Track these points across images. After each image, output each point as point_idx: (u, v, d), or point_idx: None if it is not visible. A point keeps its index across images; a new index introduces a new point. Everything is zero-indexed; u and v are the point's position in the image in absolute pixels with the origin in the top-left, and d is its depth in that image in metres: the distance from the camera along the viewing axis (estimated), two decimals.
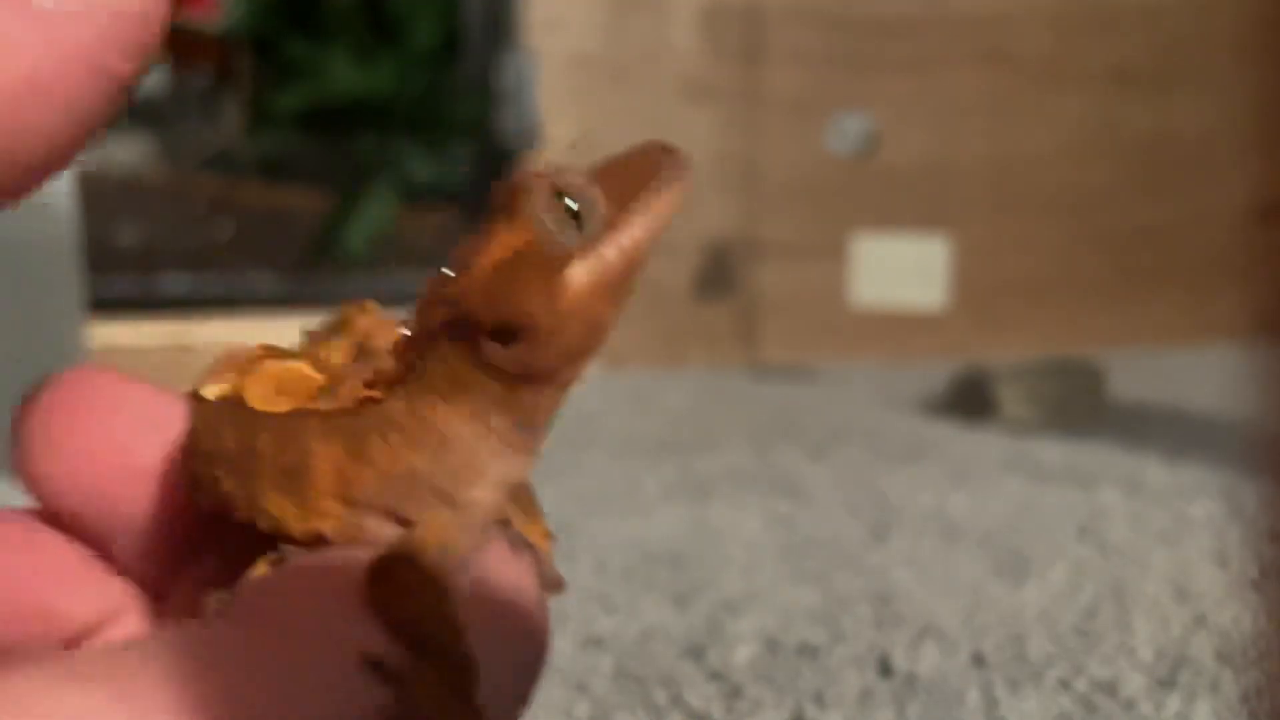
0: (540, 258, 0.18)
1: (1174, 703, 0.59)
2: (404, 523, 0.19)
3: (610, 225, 0.18)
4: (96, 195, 1.63)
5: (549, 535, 0.22)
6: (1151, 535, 0.89)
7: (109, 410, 0.21)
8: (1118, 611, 0.72)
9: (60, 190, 1.17)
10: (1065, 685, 0.61)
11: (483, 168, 2.00)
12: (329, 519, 0.19)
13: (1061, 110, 1.97)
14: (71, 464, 0.21)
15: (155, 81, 2.58)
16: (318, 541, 0.19)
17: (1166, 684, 0.61)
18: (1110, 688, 0.61)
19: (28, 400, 0.22)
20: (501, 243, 0.18)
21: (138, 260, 2.13)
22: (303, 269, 2.14)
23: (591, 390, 1.78)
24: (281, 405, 0.20)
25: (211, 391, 0.21)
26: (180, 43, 2.58)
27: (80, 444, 0.21)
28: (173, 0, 0.17)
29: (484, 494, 0.19)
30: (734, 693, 0.61)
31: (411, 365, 0.19)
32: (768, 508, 0.99)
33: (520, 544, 0.20)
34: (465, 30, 2.00)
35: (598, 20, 1.83)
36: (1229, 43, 1.89)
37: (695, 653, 0.66)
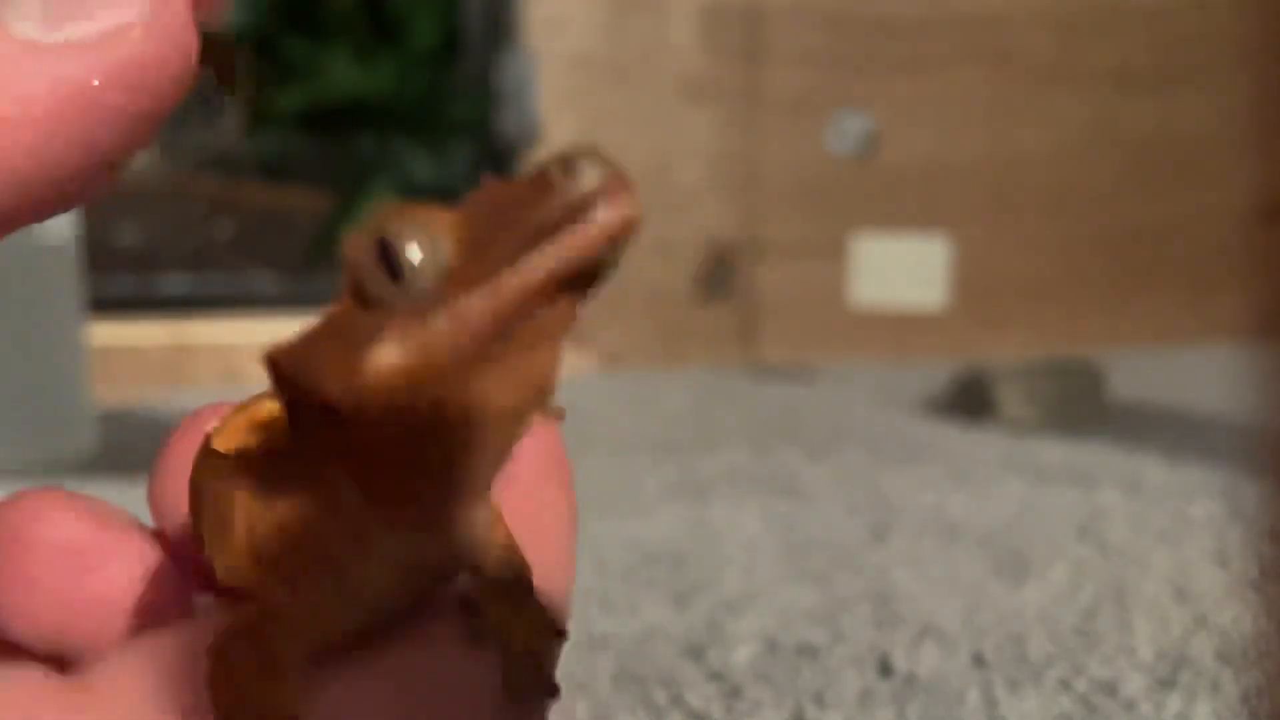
0: (346, 328, 0.15)
1: (1174, 703, 0.59)
2: (294, 588, 0.17)
3: (455, 282, 0.14)
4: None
5: (545, 633, 0.18)
6: (1152, 535, 0.89)
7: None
8: (1118, 612, 0.72)
9: None
10: (1065, 685, 0.61)
11: (483, 168, 2.00)
12: (242, 574, 0.17)
13: (1061, 110, 1.97)
14: (174, 488, 0.21)
15: None
16: (243, 597, 0.17)
17: (1167, 684, 0.61)
18: (1110, 688, 0.61)
19: (171, 433, 0.22)
20: (333, 307, 0.16)
21: (138, 260, 2.13)
22: (303, 269, 2.14)
23: (591, 390, 1.78)
24: (242, 445, 0.18)
25: (212, 429, 0.20)
26: None
27: (183, 471, 0.21)
28: (192, 51, 0.17)
29: (371, 571, 0.16)
30: (734, 693, 0.61)
31: (296, 430, 0.17)
32: (767, 508, 0.99)
33: (485, 637, 0.18)
34: (465, 30, 2.00)
35: (598, 20, 1.83)
36: (1229, 43, 1.89)
37: (695, 653, 0.66)
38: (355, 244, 0.15)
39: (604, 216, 0.14)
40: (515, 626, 0.18)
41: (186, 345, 1.72)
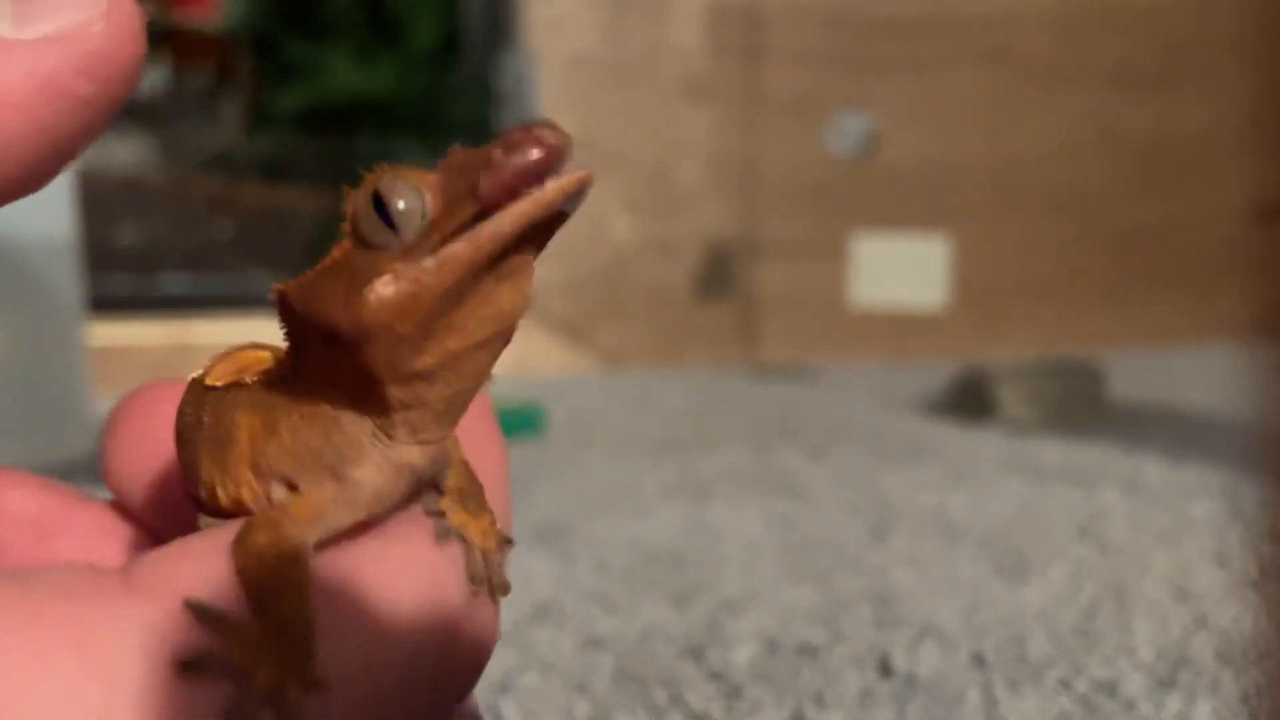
0: (349, 268, 0.18)
1: (1174, 703, 0.59)
2: (297, 491, 0.20)
3: (435, 229, 0.18)
4: (96, 195, 1.63)
5: (496, 536, 0.21)
6: (1152, 535, 0.89)
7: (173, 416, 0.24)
8: (1118, 611, 0.72)
9: (60, 190, 1.17)
10: (1065, 685, 0.61)
11: None
12: (244, 486, 0.20)
13: (1061, 110, 1.97)
14: (139, 463, 0.24)
15: (155, 81, 2.58)
16: (240, 508, 0.20)
17: (1166, 684, 0.61)
18: (1110, 688, 0.61)
19: (114, 408, 0.25)
20: (334, 250, 0.19)
21: (138, 260, 2.13)
22: (303, 269, 2.14)
23: (591, 390, 1.78)
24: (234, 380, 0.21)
25: (194, 374, 0.22)
26: (180, 43, 2.58)
27: (147, 446, 0.24)
28: (143, 43, 0.18)
29: (369, 474, 0.20)
30: (734, 693, 0.61)
31: (298, 357, 0.20)
32: (767, 508, 0.99)
33: (448, 535, 0.20)
34: (465, 30, 2.00)
35: (598, 20, 1.83)
36: (1229, 43, 1.89)
37: (695, 653, 0.66)
38: (355, 197, 0.18)
39: (563, 177, 0.17)
40: (472, 530, 0.21)
41: (186, 345, 1.72)
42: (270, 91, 2.46)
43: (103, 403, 1.22)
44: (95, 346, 1.32)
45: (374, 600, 0.19)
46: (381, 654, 0.18)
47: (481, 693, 0.29)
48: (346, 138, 2.37)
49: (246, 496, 0.20)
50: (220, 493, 0.20)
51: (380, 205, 0.18)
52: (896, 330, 1.92)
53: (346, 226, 0.18)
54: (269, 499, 0.20)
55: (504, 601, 0.21)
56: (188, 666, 0.17)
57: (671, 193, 1.84)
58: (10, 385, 1.15)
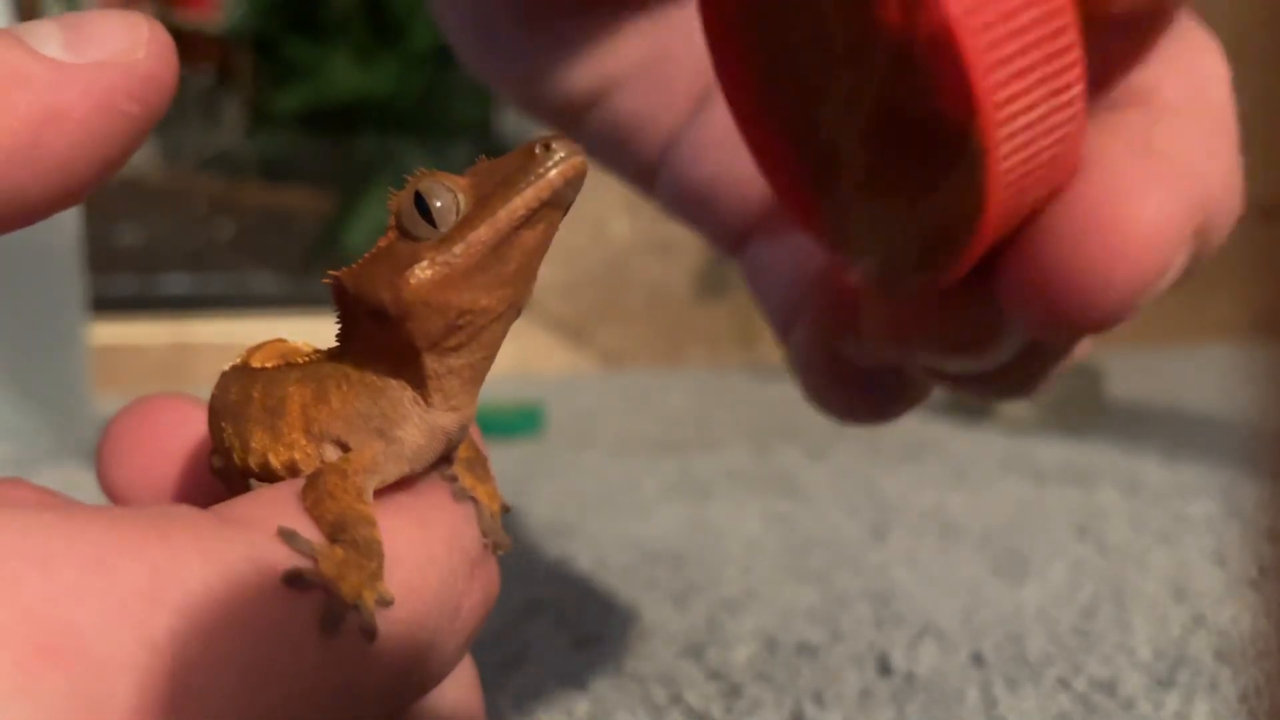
0: (392, 255, 0.22)
1: (1173, 702, 0.59)
2: (348, 450, 0.23)
3: (466, 223, 0.21)
4: (97, 195, 1.62)
5: (499, 500, 0.25)
6: (1150, 534, 0.89)
7: (175, 426, 0.27)
8: (1116, 611, 0.72)
9: None
10: (1064, 684, 0.62)
11: None
12: (296, 449, 0.23)
13: None
14: (139, 471, 0.27)
15: None
16: (292, 469, 0.23)
17: (1165, 683, 0.61)
18: (1109, 687, 0.61)
19: (112, 419, 0.27)
20: (380, 241, 0.22)
21: (138, 260, 2.13)
22: (303, 269, 2.14)
23: (591, 390, 1.78)
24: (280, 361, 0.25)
25: (229, 365, 0.26)
26: (180, 43, 2.58)
27: (147, 455, 0.27)
28: (178, 66, 0.21)
29: (411, 433, 0.23)
30: (733, 691, 0.61)
31: (347, 335, 0.23)
32: (767, 507, 0.99)
33: (462, 496, 0.24)
34: None
35: None
36: (1228, 44, 1.88)
37: (695, 652, 0.66)
38: (399, 196, 0.22)
39: (560, 168, 0.21)
40: (480, 493, 0.25)
41: (187, 345, 1.72)
42: (270, 91, 2.46)
43: (104, 402, 1.22)
44: (96, 346, 1.32)
45: (414, 538, 0.22)
46: (421, 581, 0.22)
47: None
48: (346, 138, 2.37)
49: (299, 457, 0.23)
50: (272, 458, 0.24)
51: (421, 203, 0.21)
52: None
53: (391, 221, 0.22)
54: (321, 459, 0.23)
55: (502, 600, 0.24)
56: (291, 579, 0.20)
57: None
58: (10, 385, 1.15)
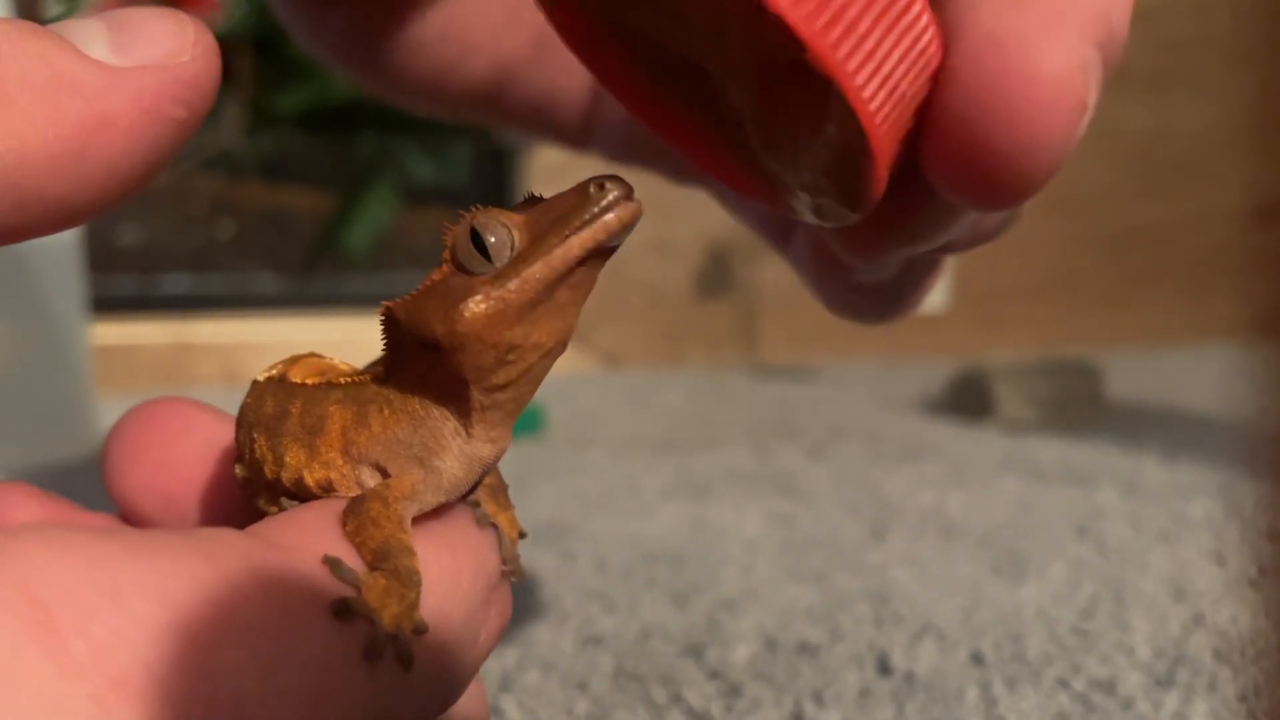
0: (446, 288, 0.22)
1: (1172, 701, 0.59)
2: (386, 476, 0.23)
3: (520, 260, 0.21)
4: None
5: (519, 528, 0.26)
6: (1149, 534, 0.89)
7: (180, 432, 0.27)
8: (1116, 610, 0.72)
9: None
10: (1063, 684, 0.62)
11: (483, 168, 2.00)
12: (333, 469, 0.23)
13: None
14: (146, 476, 0.26)
15: None
16: (326, 488, 0.23)
17: (1164, 683, 0.61)
18: (1108, 686, 0.61)
19: (117, 424, 0.27)
20: (434, 273, 0.22)
21: (138, 260, 2.13)
22: (303, 269, 2.14)
23: (591, 390, 1.78)
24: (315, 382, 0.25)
25: (263, 375, 0.25)
26: None
27: (154, 459, 0.26)
28: (220, 69, 0.20)
29: (449, 464, 0.23)
30: (733, 691, 0.61)
31: (393, 363, 0.23)
32: (767, 507, 0.99)
33: (485, 522, 0.24)
34: None
35: None
36: (1227, 44, 1.89)
37: (695, 651, 0.67)
38: (454, 231, 0.22)
39: (616, 211, 0.21)
40: (502, 521, 0.25)
41: (187, 345, 1.72)
42: (271, 91, 2.46)
43: (105, 402, 1.23)
44: (97, 346, 1.33)
45: (444, 565, 0.22)
46: (450, 609, 0.22)
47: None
48: (346, 138, 2.37)
49: (334, 477, 0.23)
50: (307, 475, 0.24)
51: (477, 238, 0.22)
52: (896, 330, 1.92)
53: (446, 255, 0.22)
54: (357, 481, 0.23)
55: None
56: (339, 610, 0.19)
57: (672, 193, 1.84)
58: (12, 385, 1.15)
